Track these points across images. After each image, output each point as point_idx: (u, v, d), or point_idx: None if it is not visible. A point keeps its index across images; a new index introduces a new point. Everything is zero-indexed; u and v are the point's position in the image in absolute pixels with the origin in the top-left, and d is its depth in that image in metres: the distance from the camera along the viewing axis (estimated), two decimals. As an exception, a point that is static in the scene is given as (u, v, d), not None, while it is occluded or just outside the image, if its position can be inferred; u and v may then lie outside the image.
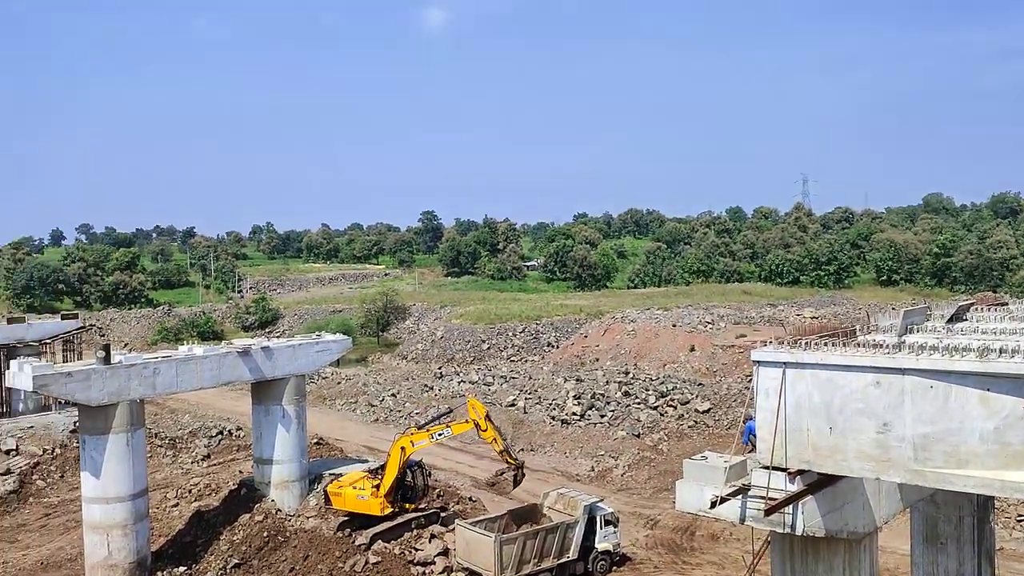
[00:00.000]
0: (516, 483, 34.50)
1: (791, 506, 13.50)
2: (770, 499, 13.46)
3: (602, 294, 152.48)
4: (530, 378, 67.28)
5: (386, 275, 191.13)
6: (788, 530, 13.76)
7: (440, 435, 34.41)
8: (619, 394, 57.95)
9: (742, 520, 13.97)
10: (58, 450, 46.65)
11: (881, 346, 13.96)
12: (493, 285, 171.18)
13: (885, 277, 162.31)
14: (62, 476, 44.98)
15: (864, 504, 15.20)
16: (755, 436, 14.40)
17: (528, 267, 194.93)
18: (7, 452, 46.09)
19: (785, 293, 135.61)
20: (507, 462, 34.34)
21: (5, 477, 43.81)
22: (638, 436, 52.19)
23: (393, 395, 67.90)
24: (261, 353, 36.30)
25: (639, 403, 56.61)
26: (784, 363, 13.86)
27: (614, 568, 34.20)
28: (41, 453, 46.08)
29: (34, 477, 44.33)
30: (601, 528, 33.88)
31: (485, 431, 33.90)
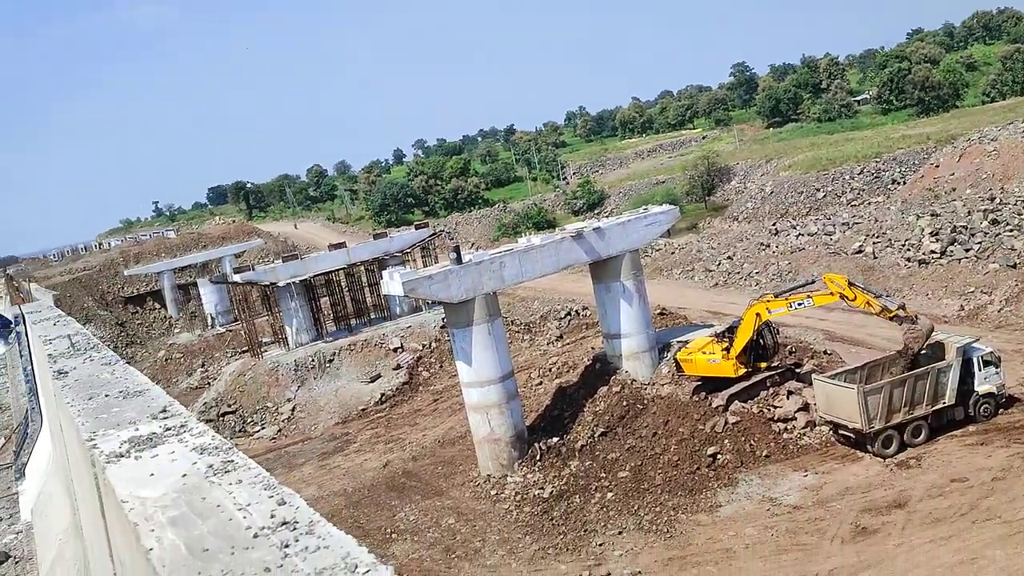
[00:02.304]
0: (921, 335, 31.23)
1: None
2: None
3: (951, 116, 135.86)
4: (876, 221, 62.44)
5: (704, 138, 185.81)
6: None
7: (800, 305, 32.77)
8: (985, 223, 51.74)
9: None
10: (433, 344, 51.12)
11: None
12: (821, 129, 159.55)
13: None
14: (441, 366, 49.30)
15: None
16: None
17: (858, 102, 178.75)
18: (395, 350, 51.68)
19: None
20: (895, 318, 31.39)
21: (397, 371, 49.40)
22: (1014, 267, 46.60)
23: (729, 258, 66.62)
24: (594, 235, 36.76)
25: (1011, 231, 50.20)
26: None
27: (1000, 411, 31.43)
28: (421, 348, 50.96)
29: (419, 369, 49.13)
30: (980, 370, 31.07)
31: (854, 299, 31.70)
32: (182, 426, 5.30)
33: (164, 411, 5.80)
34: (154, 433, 5.23)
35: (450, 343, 36.85)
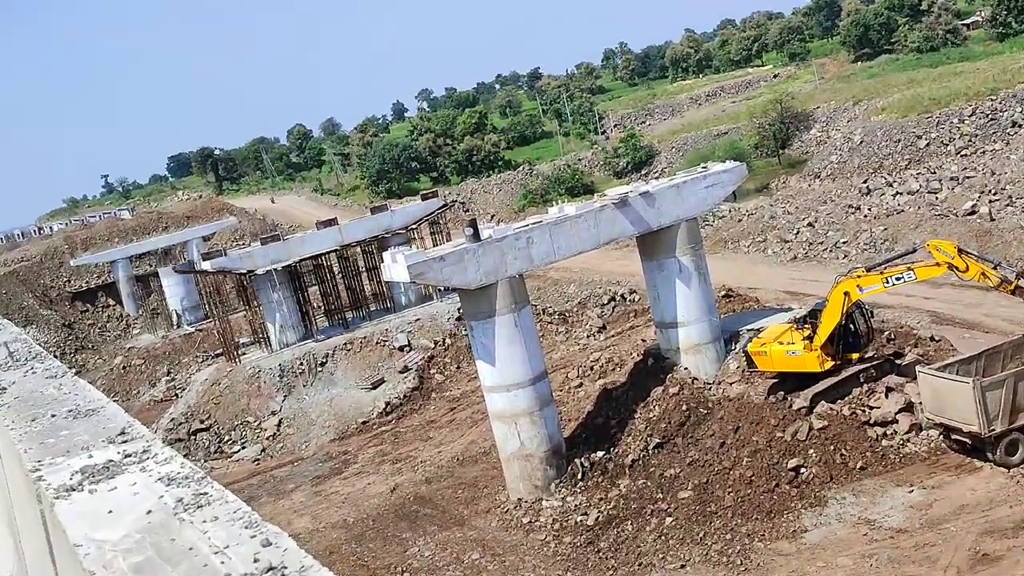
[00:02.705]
0: None
1: None
2: None
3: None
4: (992, 173, 61.79)
5: (775, 77, 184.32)
6: None
7: (898, 279, 32.52)
8: None
9: None
10: (448, 340, 51.62)
11: None
12: (921, 61, 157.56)
13: None
14: (458, 367, 49.64)
15: None
16: None
17: (968, 26, 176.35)
18: (401, 348, 52.32)
19: None
20: (1017, 291, 31.11)
21: (404, 374, 49.94)
22: None
23: (810, 224, 66.30)
24: (641, 200, 36.67)
25: None
26: None
27: None
28: (433, 346, 51.47)
29: (431, 372, 49.50)
30: None
31: (966, 271, 31.40)
32: (145, 451, 5.32)
33: (123, 433, 5.79)
34: (112, 461, 5.25)
35: (468, 339, 37.39)
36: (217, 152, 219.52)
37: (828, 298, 33.89)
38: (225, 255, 57.75)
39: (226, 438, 49.42)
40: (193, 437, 49.23)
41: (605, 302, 54.81)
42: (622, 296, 55.14)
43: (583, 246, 35.85)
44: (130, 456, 5.25)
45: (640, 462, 33.43)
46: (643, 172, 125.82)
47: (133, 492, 4.66)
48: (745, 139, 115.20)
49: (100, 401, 6.97)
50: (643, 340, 42.94)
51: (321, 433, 48.01)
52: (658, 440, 33.94)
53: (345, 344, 53.50)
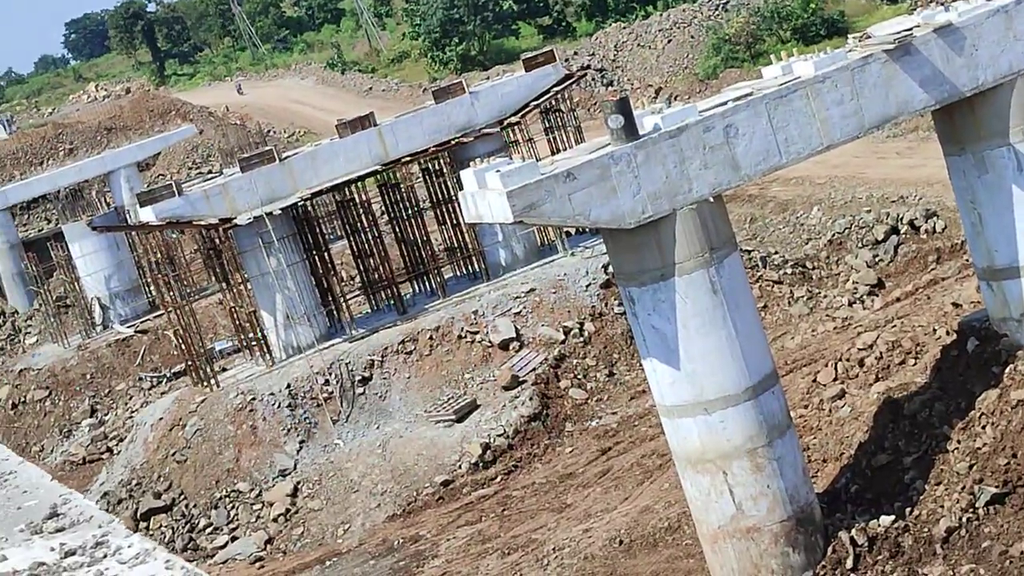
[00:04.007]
0: None
1: None
2: None
3: None
4: None
5: None
6: None
7: None
8: None
9: None
10: (590, 325, 41.80)
11: None
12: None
13: None
14: (610, 373, 40.12)
15: None
16: None
17: None
18: (502, 345, 42.22)
19: None
20: None
21: (513, 392, 40.74)
22: None
23: None
24: (938, 42, 27.20)
25: None
26: None
27: None
28: (563, 338, 41.08)
29: (560, 383, 39.86)
30: None
31: None
32: (99, 543, 4.67)
33: (55, 515, 5.20)
34: (43, 565, 4.64)
35: (625, 318, 32.27)
36: (152, 8, 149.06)
37: None
38: (179, 194, 44.39)
39: (201, 522, 38.04)
40: (144, 523, 38.47)
41: (880, 238, 44.24)
42: (911, 224, 44.55)
43: (833, 136, 27.03)
44: (75, 554, 4.75)
45: (963, 532, 25.50)
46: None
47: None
48: None
49: (3, 459, 6.78)
50: (955, 305, 33.97)
51: (370, 505, 37.65)
52: (994, 489, 26.65)
53: (402, 343, 41.94)
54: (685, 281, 25.21)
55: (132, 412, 51.73)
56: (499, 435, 39.90)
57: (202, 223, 44.90)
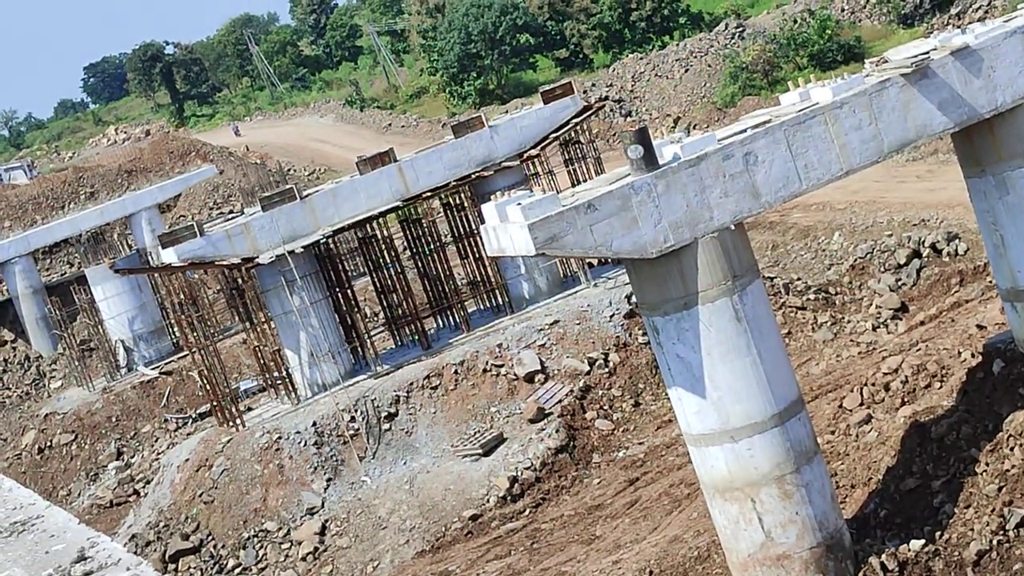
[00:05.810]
0: None
1: None
2: None
3: None
4: None
5: None
6: None
7: None
8: None
9: None
10: (615, 355, 41.86)
11: None
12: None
13: None
14: (636, 403, 39.97)
15: None
16: None
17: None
18: (528, 378, 41.98)
19: None
20: None
21: (540, 424, 40.49)
22: None
23: None
24: (956, 65, 27.67)
25: None
26: None
27: None
28: (588, 369, 41.16)
29: (586, 415, 39.97)
30: None
31: None
32: None
33: (83, 559, 5.15)
34: None
35: (650, 348, 32.78)
36: (170, 50, 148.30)
37: None
38: (201, 235, 44.46)
39: (230, 563, 38.26)
40: (173, 565, 38.87)
41: (902, 262, 44.64)
42: (933, 247, 45.03)
43: (852, 161, 26.87)
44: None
45: (995, 554, 25.13)
46: (954, 14, 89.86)
47: None
48: None
49: (31, 500, 6.50)
50: (979, 327, 33.60)
51: (399, 542, 37.77)
52: (1024, 512, 27.40)
53: (427, 378, 42.38)
54: (708, 309, 25.30)
55: (158, 454, 52.55)
56: (526, 468, 40.09)
57: (224, 263, 45.23)
